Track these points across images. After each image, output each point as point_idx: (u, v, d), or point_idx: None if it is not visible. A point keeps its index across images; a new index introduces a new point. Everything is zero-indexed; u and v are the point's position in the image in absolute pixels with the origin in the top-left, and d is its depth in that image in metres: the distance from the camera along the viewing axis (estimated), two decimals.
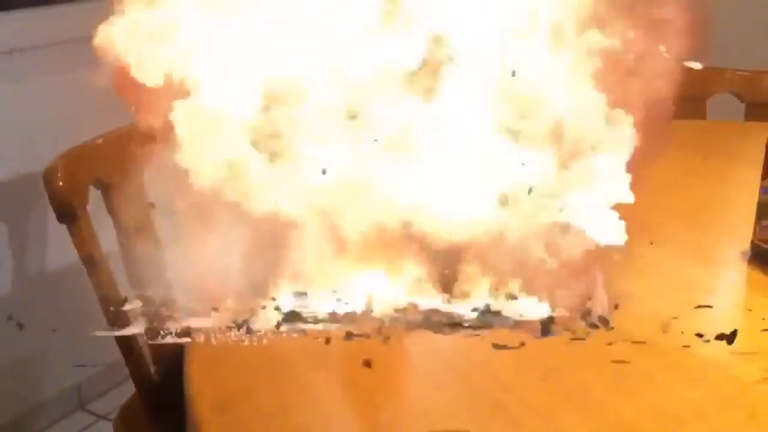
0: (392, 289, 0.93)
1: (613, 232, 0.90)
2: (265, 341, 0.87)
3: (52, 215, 1.10)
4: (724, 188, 1.30)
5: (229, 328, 0.89)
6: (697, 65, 1.11)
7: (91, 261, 1.12)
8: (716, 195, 1.29)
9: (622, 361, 0.83)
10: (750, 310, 0.95)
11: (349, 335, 0.87)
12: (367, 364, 0.81)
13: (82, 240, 1.12)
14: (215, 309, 0.92)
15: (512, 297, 0.93)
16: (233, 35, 0.85)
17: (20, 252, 1.87)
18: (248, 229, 0.92)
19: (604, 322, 0.89)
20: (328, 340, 0.87)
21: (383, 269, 0.93)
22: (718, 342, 0.86)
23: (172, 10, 0.87)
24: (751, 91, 1.77)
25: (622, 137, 0.87)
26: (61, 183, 1.09)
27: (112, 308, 1.12)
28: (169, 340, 0.91)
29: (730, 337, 0.85)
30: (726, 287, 1.03)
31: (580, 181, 0.88)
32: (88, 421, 2.01)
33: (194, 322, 0.91)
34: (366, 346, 0.86)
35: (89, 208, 1.14)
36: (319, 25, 0.84)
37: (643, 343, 0.86)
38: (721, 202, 1.26)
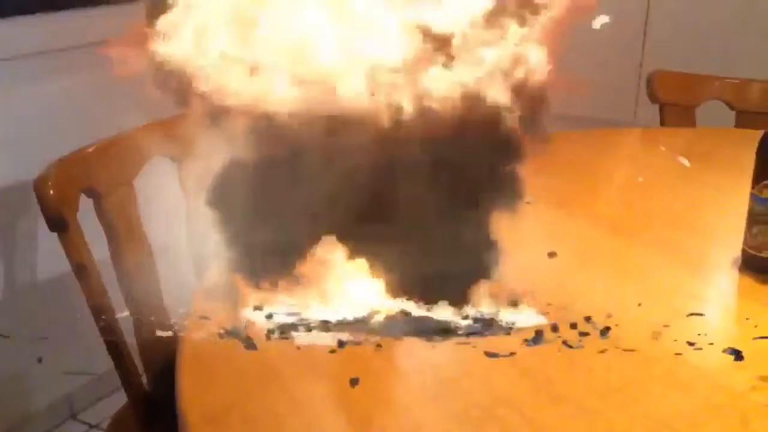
0: (384, 296, 0.93)
1: None
2: (256, 351, 0.87)
3: (42, 224, 1.10)
4: (715, 195, 1.31)
5: (220, 337, 0.89)
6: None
7: (82, 269, 1.12)
8: (707, 202, 1.29)
9: (614, 370, 0.84)
10: (741, 317, 0.95)
11: (340, 343, 0.87)
12: (354, 383, 0.81)
13: (73, 248, 1.11)
14: (205, 317, 0.92)
15: (506, 304, 0.93)
16: None
17: (10, 261, 1.86)
18: (240, 234, 0.92)
19: (608, 332, 0.89)
20: (333, 351, 0.87)
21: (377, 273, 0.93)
22: (710, 350, 0.86)
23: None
24: (741, 99, 1.78)
25: None
26: (52, 191, 1.09)
27: (103, 317, 1.12)
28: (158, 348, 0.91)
29: (737, 354, 0.85)
30: (717, 295, 1.04)
31: None
32: (79, 431, 2.00)
33: (184, 331, 0.91)
34: (358, 355, 0.86)
35: (80, 216, 1.14)
36: None
37: (635, 351, 0.86)
38: (712, 209, 1.26)
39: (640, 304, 0.94)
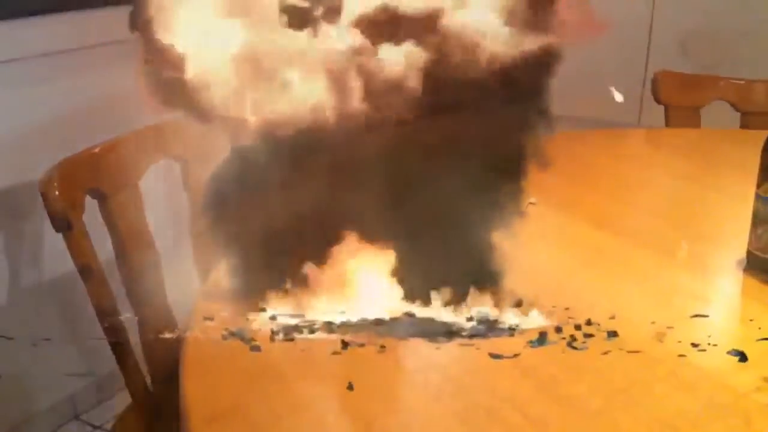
0: (388, 297, 0.93)
1: None
2: (260, 352, 0.87)
3: (47, 224, 1.10)
4: (720, 196, 1.31)
5: (224, 338, 0.89)
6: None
7: (86, 270, 1.12)
8: (712, 203, 1.29)
9: (618, 371, 0.83)
10: (745, 319, 0.95)
11: (344, 344, 0.87)
12: (350, 387, 0.81)
13: (78, 249, 1.12)
14: (209, 318, 0.92)
15: (509, 305, 0.93)
16: None
17: (16, 261, 1.87)
18: (242, 236, 0.93)
19: (613, 334, 0.89)
20: (337, 352, 0.87)
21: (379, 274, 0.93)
22: (714, 351, 0.86)
23: None
24: (745, 100, 1.78)
25: None
26: (57, 192, 1.09)
27: (107, 318, 1.12)
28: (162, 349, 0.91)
29: (741, 355, 0.85)
30: (722, 296, 1.03)
31: None
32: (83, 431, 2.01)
33: (188, 332, 0.91)
34: (361, 356, 0.86)
35: (85, 217, 1.14)
36: None
37: (639, 352, 0.86)
38: (717, 209, 1.26)
39: (644, 306, 0.94)
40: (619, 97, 0.96)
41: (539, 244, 1.08)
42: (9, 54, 1.74)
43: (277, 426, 0.76)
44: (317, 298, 0.93)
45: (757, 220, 1.01)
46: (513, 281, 0.94)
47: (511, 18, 0.87)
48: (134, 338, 1.17)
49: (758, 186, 1.01)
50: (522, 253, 0.93)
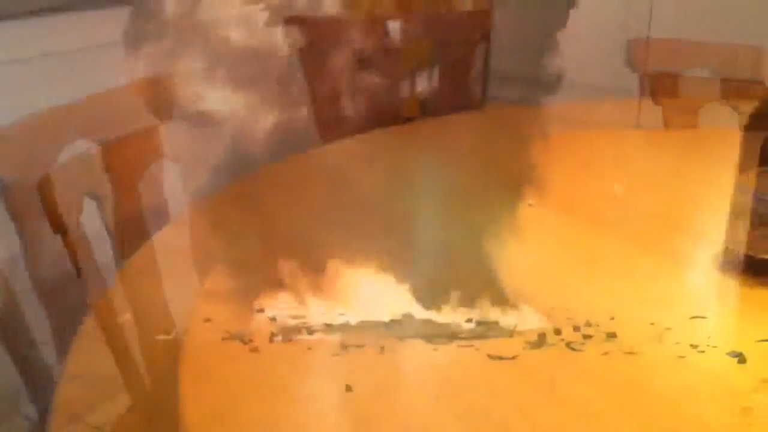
0: (387, 299, 0.94)
1: None
2: (258, 353, 0.87)
3: (46, 225, 1.10)
4: (718, 197, 1.30)
5: (223, 339, 0.89)
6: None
7: (85, 272, 1.12)
8: (710, 204, 1.29)
9: (617, 372, 0.84)
10: (744, 320, 0.95)
11: (343, 346, 0.87)
12: (348, 389, 0.81)
13: (77, 250, 1.12)
14: (208, 320, 0.92)
15: (508, 307, 0.93)
16: None
17: (14, 262, 1.86)
18: (243, 235, 0.93)
19: (612, 335, 0.89)
20: (336, 354, 0.87)
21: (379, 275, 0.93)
22: (713, 352, 0.86)
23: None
24: (743, 102, 1.78)
25: None
26: (56, 193, 1.09)
27: (105, 319, 1.12)
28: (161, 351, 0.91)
29: (740, 356, 0.85)
30: (720, 297, 1.04)
31: None
32: None
33: (187, 333, 0.91)
34: (360, 357, 0.86)
35: (83, 218, 1.14)
36: None
37: (638, 353, 0.86)
38: (715, 211, 1.26)
39: (642, 307, 0.94)
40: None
41: (538, 245, 1.08)
42: (9, 54, 1.74)
43: (275, 427, 0.76)
44: (316, 300, 0.93)
45: (755, 221, 1.01)
46: (512, 282, 0.94)
47: None
48: (133, 339, 1.17)
49: (756, 187, 1.01)
50: (521, 254, 0.93)
